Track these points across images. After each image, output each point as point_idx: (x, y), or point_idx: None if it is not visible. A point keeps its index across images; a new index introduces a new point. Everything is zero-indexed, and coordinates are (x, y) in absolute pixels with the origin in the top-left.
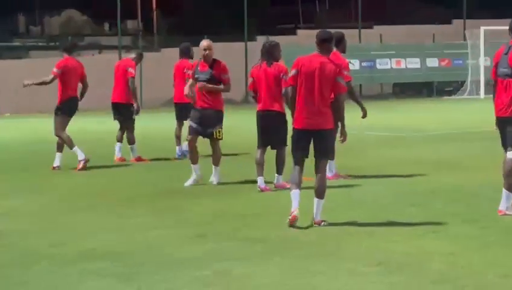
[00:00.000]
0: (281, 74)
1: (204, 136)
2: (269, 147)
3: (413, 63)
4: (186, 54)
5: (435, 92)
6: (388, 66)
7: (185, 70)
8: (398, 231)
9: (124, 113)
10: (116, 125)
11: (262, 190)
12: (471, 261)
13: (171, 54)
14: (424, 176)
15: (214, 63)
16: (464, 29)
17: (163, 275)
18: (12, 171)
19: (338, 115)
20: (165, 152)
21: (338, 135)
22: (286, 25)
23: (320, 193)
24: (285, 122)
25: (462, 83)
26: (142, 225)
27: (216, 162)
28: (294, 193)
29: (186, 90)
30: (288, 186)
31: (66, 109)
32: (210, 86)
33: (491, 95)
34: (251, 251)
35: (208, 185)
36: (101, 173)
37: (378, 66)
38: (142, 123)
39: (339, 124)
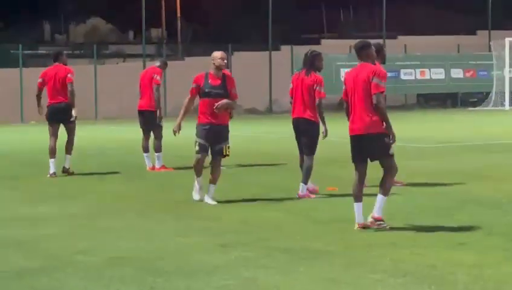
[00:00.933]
0: (315, 85)
1: (211, 153)
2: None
3: (438, 73)
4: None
5: (460, 103)
6: (412, 77)
7: None
8: (424, 243)
9: (152, 121)
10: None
11: (309, 191)
12: (498, 274)
13: (195, 62)
14: (449, 187)
15: (224, 76)
16: (489, 40)
17: (188, 284)
18: (39, 178)
19: (380, 116)
20: (191, 160)
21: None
22: (310, 34)
23: (381, 189)
24: (315, 131)
25: (487, 94)
26: (168, 233)
27: (215, 181)
28: (355, 206)
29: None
30: (312, 197)
31: (46, 116)
32: (227, 102)
33: None
34: (277, 261)
35: (236, 193)
36: (129, 180)
37: (402, 77)
38: (168, 132)
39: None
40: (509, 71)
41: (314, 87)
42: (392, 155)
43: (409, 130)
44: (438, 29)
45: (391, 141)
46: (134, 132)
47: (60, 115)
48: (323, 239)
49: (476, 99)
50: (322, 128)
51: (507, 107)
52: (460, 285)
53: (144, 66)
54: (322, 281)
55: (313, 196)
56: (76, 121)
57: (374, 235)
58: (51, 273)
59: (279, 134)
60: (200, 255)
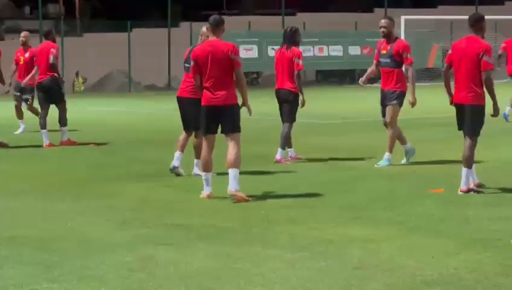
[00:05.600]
0: (294, 58)
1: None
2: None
3: (336, 50)
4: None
5: (357, 80)
6: (311, 54)
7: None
8: (321, 217)
9: (53, 93)
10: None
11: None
12: (392, 248)
13: (94, 38)
14: (345, 163)
15: None
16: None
17: (86, 262)
18: None
19: (489, 92)
20: (91, 138)
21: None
22: (210, 11)
23: (464, 162)
24: (294, 100)
25: None
26: (66, 212)
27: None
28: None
29: None
30: (288, 163)
31: None
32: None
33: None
34: (175, 237)
35: (133, 171)
36: (26, 158)
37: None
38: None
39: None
40: None
41: (293, 60)
42: (478, 133)
43: (308, 106)
44: (336, 6)
45: (494, 114)
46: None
47: None
48: (222, 216)
49: (374, 76)
50: (301, 98)
51: None
52: (355, 259)
53: (41, 42)
54: (220, 257)
55: (288, 162)
56: None
57: (273, 212)
58: None
59: (177, 111)
60: (98, 233)
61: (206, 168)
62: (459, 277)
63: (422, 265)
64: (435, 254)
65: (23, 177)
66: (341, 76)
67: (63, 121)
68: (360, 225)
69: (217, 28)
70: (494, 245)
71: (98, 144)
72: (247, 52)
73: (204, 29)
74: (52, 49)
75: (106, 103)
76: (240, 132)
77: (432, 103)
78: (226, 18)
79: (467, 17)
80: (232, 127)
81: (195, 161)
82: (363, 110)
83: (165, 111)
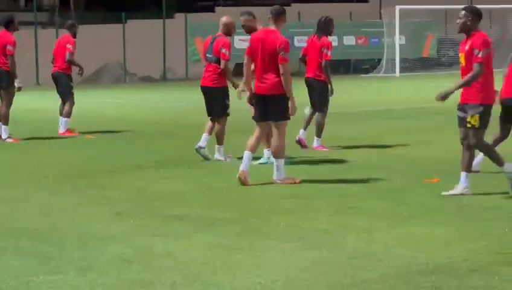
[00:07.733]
0: (322, 48)
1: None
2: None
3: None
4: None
5: (352, 70)
6: (306, 44)
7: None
8: (316, 208)
9: (60, 85)
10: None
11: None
12: (386, 237)
13: (89, 30)
14: (341, 153)
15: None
16: (380, 8)
17: (84, 254)
18: None
19: None
20: (87, 129)
21: None
22: (205, 2)
23: None
24: (322, 89)
25: (379, 61)
26: (64, 204)
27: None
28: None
29: None
30: (326, 149)
31: None
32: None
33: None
34: (172, 228)
35: (131, 162)
36: (23, 150)
37: (296, 44)
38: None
39: None
40: (399, 39)
41: (322, 50)
42: None
43: (302, 96)
44: None
45: None
46: (28, 100)
47: None
48: (219, 207)
49: (367, 66)
50: (330, 87)
51: (397, 74)
52: (350, 248)
53: (36, 34)
54: (217, 247)
55: (326, 148)
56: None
57: (270, 202)
58: None
59: (173, 102)
60: (96, 224)
61: (251, 147)
62: (453, 266)
63: (417, 254)
64: (430, 243)
65: (21, 168)
66: (335, 66)
67: (66, 112)
68: (355, 215)
69: (278, 17)
70: (489, 234)
71: (93, 133)
72: (243, 42)
73: (224, 19)
74: (68, 45)
75: (102, 94)
76: (285, 120)
77: (425, 92)
78: (220, 9)
79: (461, 6)
80: (274, 115)
81: (217, 146)
82: (358, 100)
83: (160, 102)
